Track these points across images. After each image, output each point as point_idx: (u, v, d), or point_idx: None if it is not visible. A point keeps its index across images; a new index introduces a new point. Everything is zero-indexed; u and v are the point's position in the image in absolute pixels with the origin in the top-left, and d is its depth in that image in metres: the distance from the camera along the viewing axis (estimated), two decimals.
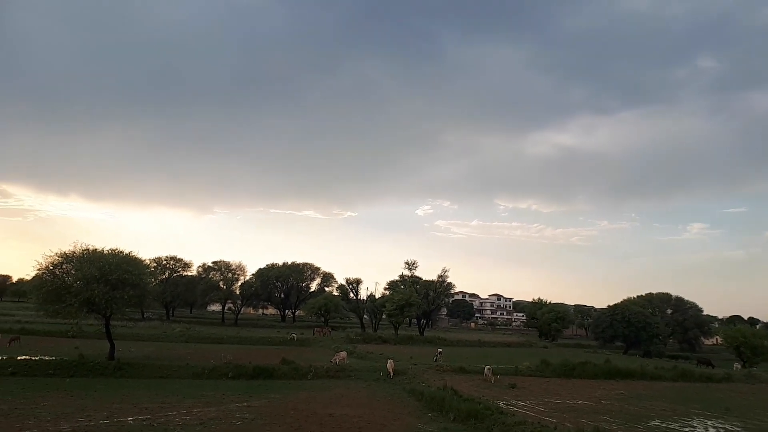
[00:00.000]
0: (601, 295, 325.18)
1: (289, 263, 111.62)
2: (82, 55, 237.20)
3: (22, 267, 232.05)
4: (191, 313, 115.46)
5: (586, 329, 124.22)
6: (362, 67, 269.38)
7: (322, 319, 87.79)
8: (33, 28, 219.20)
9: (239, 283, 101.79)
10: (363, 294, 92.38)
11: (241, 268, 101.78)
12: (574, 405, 27.53)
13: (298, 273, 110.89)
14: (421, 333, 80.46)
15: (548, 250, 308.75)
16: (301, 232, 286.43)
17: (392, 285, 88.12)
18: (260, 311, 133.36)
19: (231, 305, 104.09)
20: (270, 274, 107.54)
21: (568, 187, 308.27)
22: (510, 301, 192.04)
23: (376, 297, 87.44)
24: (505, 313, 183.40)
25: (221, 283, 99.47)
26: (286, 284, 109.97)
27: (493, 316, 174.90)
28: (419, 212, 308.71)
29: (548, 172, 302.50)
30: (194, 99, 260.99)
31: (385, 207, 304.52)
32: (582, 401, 29.01)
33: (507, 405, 25.52)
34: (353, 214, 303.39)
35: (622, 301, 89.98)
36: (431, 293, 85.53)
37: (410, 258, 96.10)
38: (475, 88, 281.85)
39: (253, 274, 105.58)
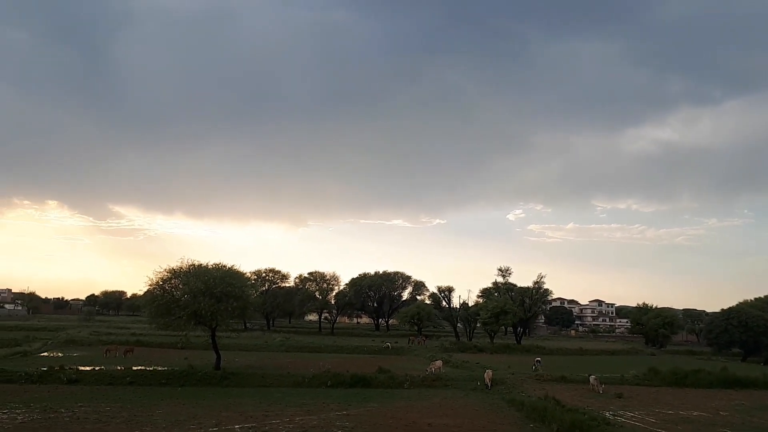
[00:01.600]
0: (712, 298, 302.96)
1: (381, 272, 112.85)
2: (182, 79, 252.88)
3: (135, 283, 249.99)
4: (290, 323, 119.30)
5: (697, 335, 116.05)
6: (445, 72, 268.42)
7: (416, 327, 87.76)
8: (136, 57, 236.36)
9: (334, 293, 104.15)
10: (455, 302, 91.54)
11: (335, 279, 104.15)
12: (688, 416, 25.68)
13: (390, 282, 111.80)
14: (518, 341, 78.45)
15: (651, 251, 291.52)
16: (391, 242, 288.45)
17: (486, 293, 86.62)
18: (355, 320, 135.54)
19: (327, 315, 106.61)
20: (363, 284, 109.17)
21: (671, 185, 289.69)
22: (612, 306, 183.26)
23: (470, 305, 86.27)
24: (607, 319, 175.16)
25: (317, 294, 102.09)
26: (378, 293, 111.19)
27: (594, 322, 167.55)
28: (510, 217, 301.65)
29: (648, 169, 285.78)
30: (286, 115, 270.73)
31: (475, 213, 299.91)
32: (697, 412, 27.01)
33: (614, 416, 24.24)
34: (442, 222, 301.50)
35: (737, 304, 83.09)
36: (527, 300, 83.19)
37: (503, 264, 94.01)
38: (565, 85, 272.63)
39: (346, 284, 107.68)
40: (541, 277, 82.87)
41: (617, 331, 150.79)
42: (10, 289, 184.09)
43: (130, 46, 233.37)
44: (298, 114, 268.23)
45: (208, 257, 36.55)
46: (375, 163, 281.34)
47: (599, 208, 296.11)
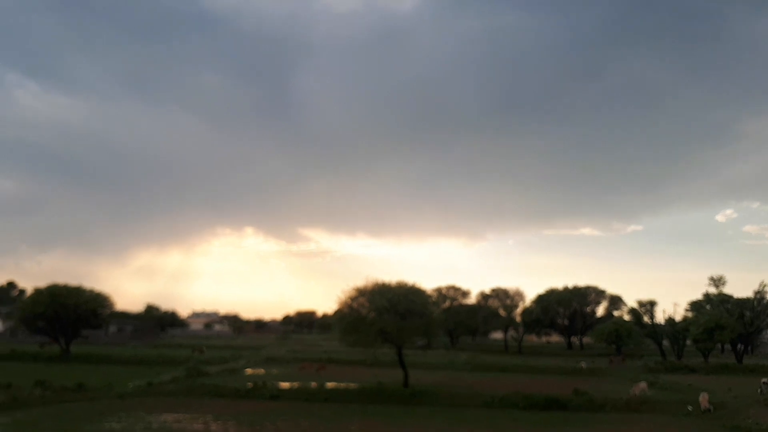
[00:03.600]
0: None
1: (570, 287, 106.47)
2: (357, 104, 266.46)
3: (325, 302, 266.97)
4: (474, 341, 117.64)
5: None
6: (632, 64, 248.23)
7: (614, 346, 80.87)
8: (314, 86, 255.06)
9: (519, 310, 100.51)
10: (659, 317, 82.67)
11: (519, 294, 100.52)
12: None
13: (581, 297, 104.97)
14: (739, 360, 68.24)
15: None
16: (579, 253, 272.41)
17: (695, 306, 77.24)
18: (543, 339, 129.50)
19: (513, 333, 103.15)
20: (550, 300, 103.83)
21: None
22: None
23: (676, 320, 77.34)
24: None
25: (501, 310, 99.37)
26: (568, 310, 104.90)
27: None
28: (719, 218, 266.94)
29: None
30: (459, 128, 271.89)
31: (675, 216, 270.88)
32: None
33: None
34: (638, 228, 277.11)
35: None
36: (747, 313, 72.35)
37: (714, 273, 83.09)
38: None
39: (532, 300, 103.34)
40: (764, 286, 71.67)
41: None
42: (218, 311, 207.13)
43: (308, 77, 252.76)
44: (471, 126, 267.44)
45: (389, 275, 36.89)
46: (555, 169, 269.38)
47: None
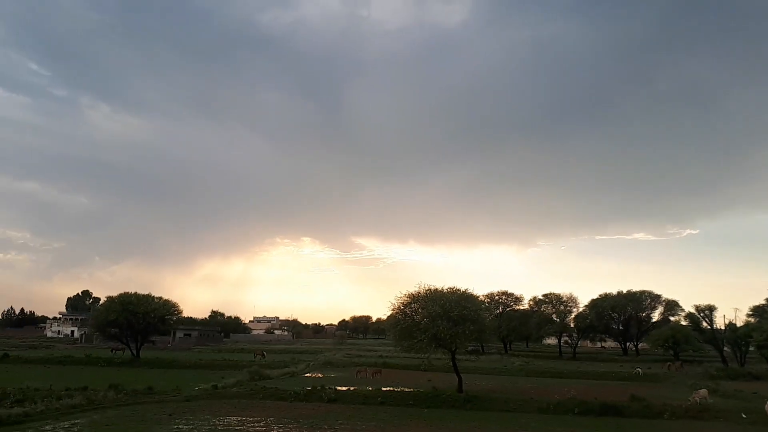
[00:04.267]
0: None
1: (624, 292, 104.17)
2: (407, 115, 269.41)
3: (379, 308, 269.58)
4: (527, 346, 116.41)
5: None
6: (685, 65, 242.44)
7: (671, 352, 78.83)
8: (366, 100, 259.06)
9: (573, 316, 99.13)
10: (719, 323, 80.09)
11: (572, 300, 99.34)
12: None
13: (636, 302, 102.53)
14: None
15: None
16: (633, 258, 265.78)
17: (757, 311, 74.43)
18: (598, 344, 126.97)
19: (567, 338, 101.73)
20: (604, 305, 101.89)
21: None
22: None
23: (738, 326, 74.78)
24: None
25: (554, 316, 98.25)
26: (623, 315, 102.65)
27: None
28: None
29: None
30: (508, 135, 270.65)
31: (734, 219, 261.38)
32: None
33: None
34: (693, 232, 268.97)
35: None
36: None
37: None
38: None
39: (585, 306, 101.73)
40: None
41: None
42: (278, 317, 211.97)
43: (360, 91, 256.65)
44: (521, 132, 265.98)
45: (441, 282, 37.96)
46: (608, 174, 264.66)
47: None
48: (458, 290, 36.39)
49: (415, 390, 35.53)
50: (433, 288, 36.40)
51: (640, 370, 57.64)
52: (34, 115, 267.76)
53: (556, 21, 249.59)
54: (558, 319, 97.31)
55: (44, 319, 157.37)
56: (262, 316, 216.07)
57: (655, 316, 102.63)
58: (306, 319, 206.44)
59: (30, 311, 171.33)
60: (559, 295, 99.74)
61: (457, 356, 38.20)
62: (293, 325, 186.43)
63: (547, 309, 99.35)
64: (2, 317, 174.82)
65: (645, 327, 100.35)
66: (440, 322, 33.69)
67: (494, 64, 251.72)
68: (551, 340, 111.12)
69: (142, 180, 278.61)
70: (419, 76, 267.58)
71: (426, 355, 39.01)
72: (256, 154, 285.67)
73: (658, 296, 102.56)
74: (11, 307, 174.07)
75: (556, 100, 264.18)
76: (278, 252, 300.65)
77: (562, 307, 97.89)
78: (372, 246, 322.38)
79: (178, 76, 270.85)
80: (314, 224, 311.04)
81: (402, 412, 29.06)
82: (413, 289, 36.76)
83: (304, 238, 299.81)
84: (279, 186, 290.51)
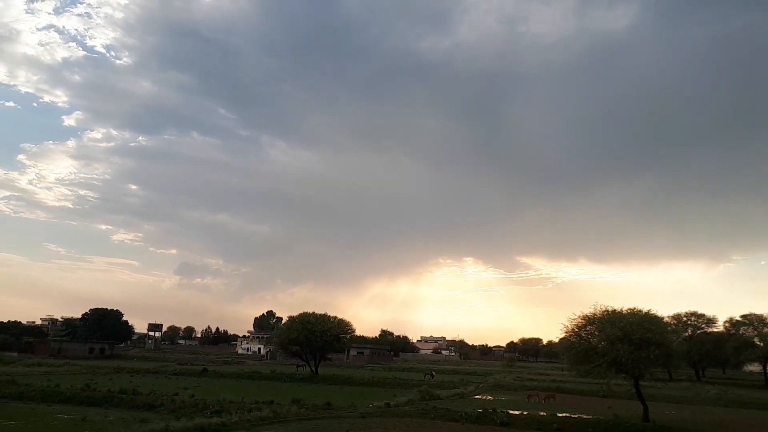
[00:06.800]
0: None
1: None
2: (573, 128, 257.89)
3: (549, 330, 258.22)
4: (724, 373, 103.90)
5: None
6: None
7: None
8: (528, 115, 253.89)
9: None
10: None
11: None
12: None
13: None
14: None
15: None
16: None
17: None
18: None
19: None
20: None
21: None
22: None
23: None
24: None
25: (756, 339, 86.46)
26: None
27: None
28: None
29: None
30: (692, 141, 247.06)
31: None
32: None
33: None
34: None
35: None
36: None
37: None
38: None
39: None
40: None
41: None
42: (444, 337, 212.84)
43: (521, 108, 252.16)
44: (705, 138, 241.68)
45: (617, 302, 35.27)
46: None
47: None
48: (639, 311, 33.59)
49: (594, 417, 33.26)
50: (610, 309, 34.03)
51: None
52: (223, 154, 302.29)
53: (738, 15, 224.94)
54: (762, 344, 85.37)
55: (235, 337, 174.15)
56: (428, 336, 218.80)
57: None
58: (472, 339, 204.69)
59: (224, 330, 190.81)
60: (762, 316, 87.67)
61: (641, 383, 35.13)
62: (460, 346, 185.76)
63: (747, 331, 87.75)
64: (201, 335, 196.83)
65: None
66: (620, 345, 31.27)
67: (670, 67, 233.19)
68: (753, 367, 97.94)
69: (316, 208, 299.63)
70: (584, 87, 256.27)
71: (605, 381, 36.44)
72: (417, 177, 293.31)
73: None
74: (208, 327, 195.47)
75: (747, 100, 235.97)
76: (441, 272, 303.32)
77: (766, 330, 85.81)
78: (538, 265, 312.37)
79: (344, 109, 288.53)
80: (477, 244, 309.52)
81: None
82: (587, 310, 34.76)
83: (467, 258, 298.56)
84: (441, 208, 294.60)
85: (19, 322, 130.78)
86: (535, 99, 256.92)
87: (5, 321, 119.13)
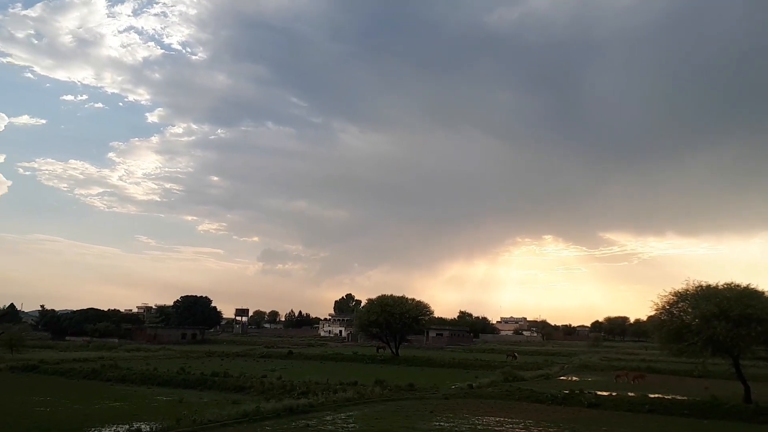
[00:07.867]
0: None
1: None
2: (656, 94, 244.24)
3: (636, 308, 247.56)
4: None
5: None
6: None
7: None
8: (607, 83, 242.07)
9: None
10: None
11: None
12: None
13: None
14: None
15: None
16: None
17: None
18: None
19: None
20: None
21: None
22: None
23: None
24: None
25: None
26: None
27: None
28: None
29: None
30: None
31: None
32: None
33: None
34: None
35: None
36: None
37: None
38: None
39: None
40: None
41: None
42: (525, 317, 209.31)
43: (599, 76, 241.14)
44: None
45: (710, 277, 32.80)
46: None
47: None
48: (738, 286, 31.38)
49: (689, 398, 31.66)
50: (705, 284, 32.05)
51: None
52: (297, 142, 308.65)
53: None
54: None
55: (317, 320, 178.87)
56: (509, 316, 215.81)
57: None
58: (554, 320, 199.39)
59: (306, 313, 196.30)
60: None
61: (742, 362, 33.01)
62: (542, 326, 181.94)
63: None
64: (285, 319, 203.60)
65: None
66: (717, 323, 29.39)
67: (759, 24, 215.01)
68: None
69: (390, 191, 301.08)
70: (666, 50, 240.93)
71: (700, 360, 34.57)
72: (491, 155, 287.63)
73: None
74: (291, 310, 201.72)
75: None
76: (520, 252, 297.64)
77: None
78: (623, 241, 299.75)
79: (414, 89, 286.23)
80: (556, 221, 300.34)
81: (675, 423, 26.22)
82: (678, 286, 32.92)
83: (546, 237, 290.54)
84: (517, 184, 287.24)
85: (118, 311, 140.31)
86: (615, 65, 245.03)
87: (106, 310, 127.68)
